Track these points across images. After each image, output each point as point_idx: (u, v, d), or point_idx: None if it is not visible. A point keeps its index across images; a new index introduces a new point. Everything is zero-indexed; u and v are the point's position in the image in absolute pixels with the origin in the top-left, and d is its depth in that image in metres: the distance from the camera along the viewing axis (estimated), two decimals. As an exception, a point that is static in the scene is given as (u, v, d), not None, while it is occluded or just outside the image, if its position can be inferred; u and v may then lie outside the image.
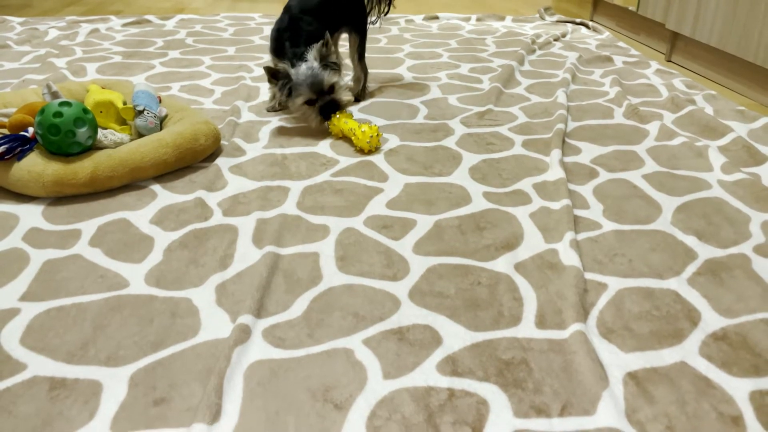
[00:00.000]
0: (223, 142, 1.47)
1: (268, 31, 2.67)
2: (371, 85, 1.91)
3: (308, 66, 1.46)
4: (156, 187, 1.26)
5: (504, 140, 1.54)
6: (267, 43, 2.36)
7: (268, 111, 1.70)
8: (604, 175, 1.35)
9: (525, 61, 2.23)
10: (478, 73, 2.09)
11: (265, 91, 1.85)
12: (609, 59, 2.27)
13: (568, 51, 2.39)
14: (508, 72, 2.05)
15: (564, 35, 2.68)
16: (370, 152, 1.44)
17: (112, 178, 1.20)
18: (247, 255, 1.03)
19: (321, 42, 1.47)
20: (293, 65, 1.47)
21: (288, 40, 1.54)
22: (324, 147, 1.48)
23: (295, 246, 1.07)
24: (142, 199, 1.21)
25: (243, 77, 1.98)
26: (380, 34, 2.62)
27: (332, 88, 1.49)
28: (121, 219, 1.14)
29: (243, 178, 1.31)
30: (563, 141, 1.51)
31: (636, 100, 1.85)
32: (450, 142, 1.52)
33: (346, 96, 1.51)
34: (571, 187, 1.29)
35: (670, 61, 2.38)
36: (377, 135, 1.44)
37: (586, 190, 1.28)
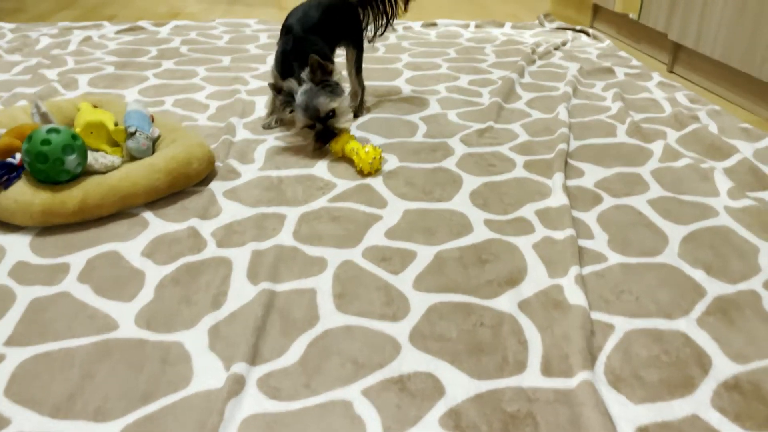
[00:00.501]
0: (217, 163, 1.43)
1: (263, 38, 2.63)
2: (369, 99, 1.87)
3: (304, 90, 1.42)
4: (148, 215, 1.22)
5: (505, 161, 1.50)
6: (262, 52, 2.33)
7: (264, 128, 1.66)
8: (608, 201, 1.32)
9: (525, 73, 2.20)
10: (477, 86, 2.06)
11: (261, 107, 1.81)
12: (610, 71, 2.24)
13: (568, 61, 2.35)
14: (508, 85, 2.01)
15: (564, 44, 2.64)
16: (370, 174, 1.40)
17: (101, 207, 1.16)
18: (241, 292, 1.00)
19: (309, 66, 1.42)
20: (301, 84, 1.44)
21: (296, 60, 1.50)
22: (321, 169, 1.44)
23: (291, 281, 1.03)
24: (133, 229, 1.17)
25: (238, 90, 1.94)
26: (378, 42, 2.56)
27: (332, 112, 1.45)
28: (112, 251, 1.10)
29: (237, 203, 1.28)
30: (566, 162, 1.48)
31: (639, 116, 1.81)
32: (450, 163, 1.48)
33: (344, 123, 1.47)
34: (575, 214, 1.26)
35: (672, 72, 2.35)
36: (379, 157, 1.41)
37: (590, 217, 1.25)
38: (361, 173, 1.41)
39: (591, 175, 1.44)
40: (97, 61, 2.24)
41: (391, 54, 2.42)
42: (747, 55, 1.86)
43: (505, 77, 2.10)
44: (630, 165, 1.49)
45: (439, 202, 1.30)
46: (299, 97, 1.42)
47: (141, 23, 2.78)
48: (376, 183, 1.38)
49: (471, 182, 1.39)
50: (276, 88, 1.45)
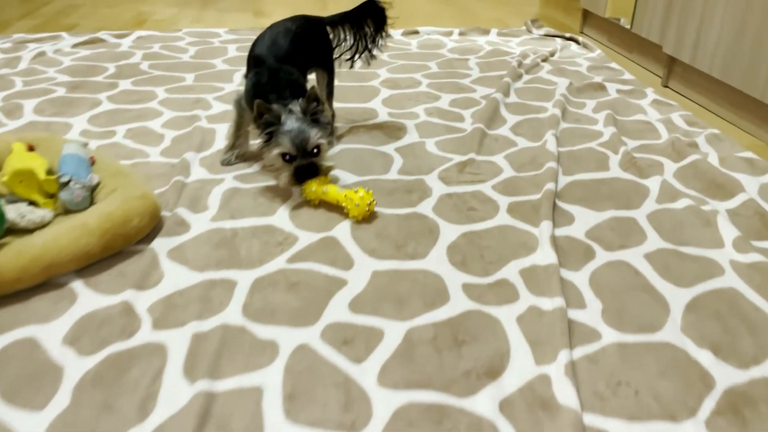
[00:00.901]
0: (164, 213, 1.28)
1: (232, 51, 2.46)
2: (339, 126, 1.72)
3: (298, 119, 1.29)
4: (77, 285, 1.07)
5: (487, 203, 1.36)
6: (229, 67, 2.18)
7: (223, 164, 1.50)
8: (601, 256, 1.18)
9: (511, 91, 2.05)
10: (459, 107, 1.91)
11: (221, 137, 1.65)
12: (602, 87, 2.10)
13: (557, 76, 2.21)
14: (492, 107, 1.86)
15: (553, 54, 2.49)
16: (363, 220, 1.28)
17: (21, 281, 1.01)
18: (174, 394, 0.85)
19: (306, 97, 1.30)
20: (283, 113, 1.30)
21: (272, 92, 1.35)
22: (282, 217, 1.29)
23: (234, 376, 0.88)
24: (58, 305, 1.02)
25: (198, 117, 1.78)
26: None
27: (317, 149, 1.31)
28: (28, 339, 0.95)
29: (183, 267, 1.13)
30: (554, 205, 1.34)
31: (633, 143, 1.67)
32: (426, 208, 1.34)
33: (327, 165, 1.34)
34: (564, 273, 1.12)
35: (667, 86, 2.21)
36: (373, 201, 1.28)
37: (581, 278, 1.11)
38: (349, 217, 1.28)
39: (582, 220, 1.30)
40: (48, 81, 2.06)
41: (369, 69, 2.26)
42: (748, 74, 1.72)
43: (489, 97, 1.95)
44: (625, 207, 1.35)
45: (413, 260, 1.16)
46: (290, 124, 1.28)
47: (101, 34, 2.60)
48: (343, 235, 1.23)
49: (449, 232, 1.25)
50: (261, 110, 1.27)
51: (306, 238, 1.22)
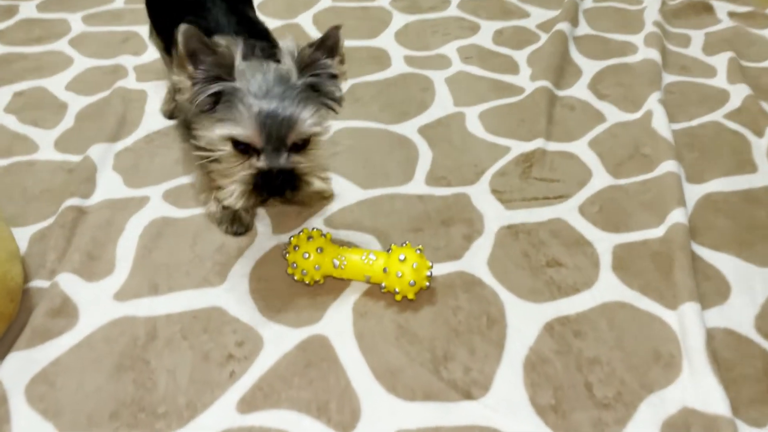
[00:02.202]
0: (37, 283, 0.75)
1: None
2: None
3: (278, 75, 0.67)
4: None
5: (575, 248, 0.82)
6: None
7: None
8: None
9: (579, 15, 1.42)
10: (509, 46, 1.30)
11: (153, 110, 1.08)
12: (707, 8, 1.46)
13: (640, -12, 1.55)
14: (558, 48, 1.26)
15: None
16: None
17: None
18: None
19: (292, 38, 0.69)
20: (245, 55, 0.69)
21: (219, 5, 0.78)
22: (238, 287, 0.76)
23: None
24: None
25: (123, 71, 1.19)
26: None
27: (304, 142, 0.70)
28: None
29: (47, 427, 0.61)
30: (692, 257, 0.80)
31: (778, 112, 1.09)
32: (478, 262, 0.80)
33: (319, 181, 0.71)
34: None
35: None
36: (430, 267, 0.74)
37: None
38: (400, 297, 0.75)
39: (744, 292, 0.76)
40: None
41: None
42: None
43: (551, 28, 1.33)
44: (808, 258, 0.81)
45: (465, 401, 0.64)
46: (255, 83, 0.67)
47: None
48: (340, 334, 0.71)
49: (522, 325, 0.73)
50: (191, 46, 0.65)
51: (275, 341, 0.70)
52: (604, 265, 0.80)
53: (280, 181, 0.68)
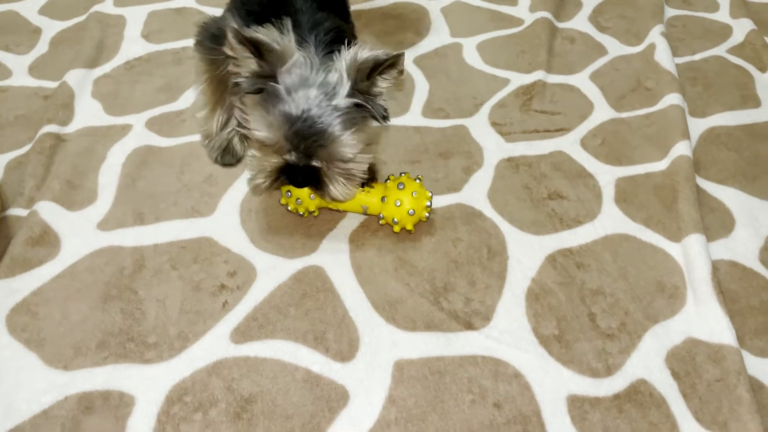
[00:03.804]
0: (13, 211, 0.71)
1: None
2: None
3: (322, 83, 0.60)
4: None
5: (578, 180, 0.80)
6: None
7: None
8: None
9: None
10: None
11: (133, 35, 1.02)
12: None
13: None
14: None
15: None
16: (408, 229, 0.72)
17: None
18: None
19: (356, 48, 0.61)
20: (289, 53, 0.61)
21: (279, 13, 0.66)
22: (229, 217, 0.73)
23: None
24: None
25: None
26: None
27: (334, 155, 0.63)
28: None
29: (32, 357, 0.59)
30: (696, 190, 0.78)
31: (783, 48, 1.06)
32: (478, 194, 0.77)
33: (343, 190, 0.65)
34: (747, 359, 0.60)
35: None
36: (430, 198, 0.71)
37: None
38: (389, 225, 0.71)
39: (747, 224, 0.75)
40: None
41: None
42: None
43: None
44: (812, 192, 0.80)
45: (468, 331, 0.62)
46: (294, 92, 0.60)
47: None
48: (336, 264, 0.69)
49: (524, 257, 0.71)
50: (238, 37, 0.58)
51: (269, 272, 0.68)
52: (606, 198, 0.78)
53: (302, 177, 0.63)
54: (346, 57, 0.60)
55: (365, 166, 0.65)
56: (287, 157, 0.63)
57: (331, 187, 0.64)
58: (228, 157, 0.79)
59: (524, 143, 0.86)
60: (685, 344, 0.62)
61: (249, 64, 0.60)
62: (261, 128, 0.61)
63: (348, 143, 0.61)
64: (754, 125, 0.90)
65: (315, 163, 0.63)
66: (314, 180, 0.64)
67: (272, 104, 0.60)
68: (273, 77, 0.60)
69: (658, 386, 0.59)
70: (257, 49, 0.59)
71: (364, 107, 0.61)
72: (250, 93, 0.62)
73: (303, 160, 0.62)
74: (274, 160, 0.63)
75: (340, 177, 0.64)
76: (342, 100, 0.60)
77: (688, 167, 0.80)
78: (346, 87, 0.60)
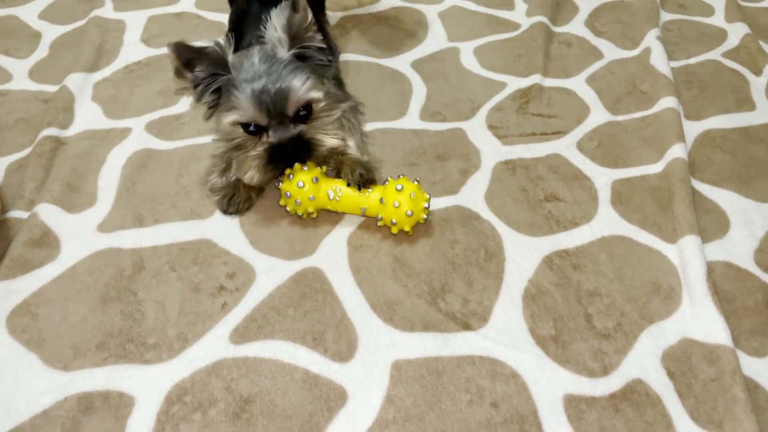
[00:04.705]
0: (14, 213, 0.71)
1: None
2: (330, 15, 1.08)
3: (263, 56, 0.67)
4: None
5: (574, 182, 0.80)
6: None
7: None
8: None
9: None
10: (503, -18, 1.25)
11: (134, 32, 1.02)
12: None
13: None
14: (554, -17, 1.21)
15: None
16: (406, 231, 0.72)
17: None
18: None
19: (287, 2, 0.67)
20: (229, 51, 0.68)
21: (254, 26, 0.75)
22: (229, 224, 0.73)
23: None
24: None
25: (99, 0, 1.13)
26: None
27: (306, 108, 0.69)
28: None
29: (32, 357, 0.59)
30: (692, 192, 0.78)
31: (778, 52, 1.07)
32: (475, 195, 0.78)
33: (331, 138, 0.71)
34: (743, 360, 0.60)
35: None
36: (428, 199, 0.72)
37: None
38: (388, 228, 0.72)
39: (743, 225, 0.75)
40: None
41: None
42: None
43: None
44: (807, 194, 0.80)
45: (464, 331, 0.63)
46: (248, 68, 0.67)
47: None
48: (335, 266, 0.69)
49: (520, 258, 0.71)
50: (181, 54, 0.65)
51: (268, 273, 0.68)
52: (602, 200, 0.79)
53: (291, 150, 0.69)
54: (275, 18, 0.67)
55: (339, 113, 0.72)
56: (270, 139, 0.68)
57: (322, 140, 0.70)
58: (232, 207, 0.75)
59: (521, 146, 0.86)
60: (680, 344, 0.63)
61: (199, 74, 0.67)
62: (234, 113, 0.67)
63: (305, 85, 0.67)
64: (748, 128, 0.91)
65: (294, 131, 0.68)
66: (303, 147, 0.69)
67: (232, 91, 0.66)
68: (221, 73, 0.67)
69: (653, 386, 0.59)
70: (200, 53, 0.65)
71: (309, 55, 0.69)
72: (213, 108, 0.69)
73: (282, 133, 0.68)
74: (259, 148, 0.69)
75: (323, 129, 0.70)
76: (284, 55, 0.67)
77: (683, 169, 0.81)
78: (284, 44, 0.67)
